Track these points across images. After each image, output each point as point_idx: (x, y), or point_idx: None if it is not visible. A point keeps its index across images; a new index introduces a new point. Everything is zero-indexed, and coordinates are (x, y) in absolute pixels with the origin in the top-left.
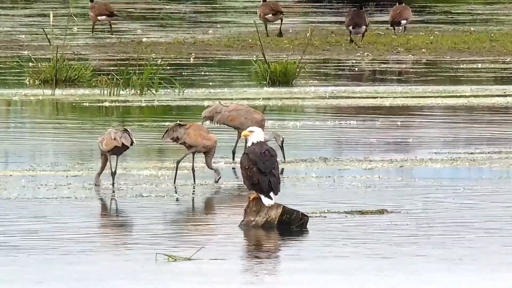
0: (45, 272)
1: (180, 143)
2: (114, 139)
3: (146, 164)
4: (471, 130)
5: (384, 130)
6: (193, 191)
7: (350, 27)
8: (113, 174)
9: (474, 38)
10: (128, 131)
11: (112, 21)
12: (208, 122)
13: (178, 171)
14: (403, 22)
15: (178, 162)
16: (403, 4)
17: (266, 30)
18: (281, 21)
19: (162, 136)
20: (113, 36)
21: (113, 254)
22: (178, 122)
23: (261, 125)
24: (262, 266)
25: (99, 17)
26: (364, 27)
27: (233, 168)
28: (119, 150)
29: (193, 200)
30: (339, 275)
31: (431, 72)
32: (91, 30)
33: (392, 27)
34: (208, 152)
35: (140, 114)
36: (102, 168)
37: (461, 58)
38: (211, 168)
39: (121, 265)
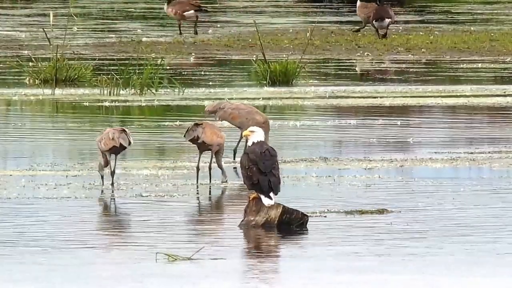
0: (44, 272)
1: (198, 143)
2: (112, 139)
3: (146, 164)
4: (471, 130)
5: (384, 130)
6: (193, 191)
7: (374, 21)
8: (112, 173)
9: (474, 38)
10: (125, 131)
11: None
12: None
13: (178, 171)
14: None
15: (209, 167)
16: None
17: (180, 29)
18: (197, 18)
19: (183, 135)
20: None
21: (113, 254)
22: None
23: (261, 127)
24: (262, 266)
25: None
26: (388, 20)
27: (234, 168)
28: (117, 150)
29: (193, 200)
30: (339, 275)
31: (431, 72)
32: (90, 30)
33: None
34: (219, 151)
35: (140, 114)
36: (105, 162)
37: (461, 58)
38: (221, 168)
39: (121, 265)
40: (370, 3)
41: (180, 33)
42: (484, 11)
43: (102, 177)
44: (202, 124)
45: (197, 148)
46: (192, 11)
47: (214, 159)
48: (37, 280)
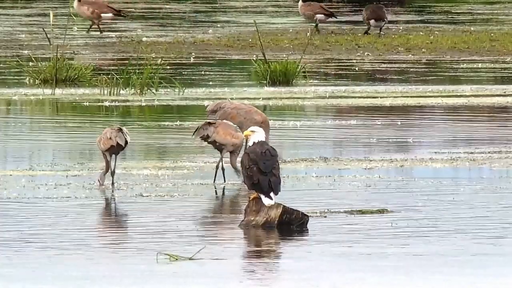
0: (45, 272)
1: (210, 142)
2: (110, 138)
3: (146, 164)
4: (471, 130)
5: (384, 130)
6: (193, 191)
7: (372, 20)
8: (112, 173)
9: (474, 38)
10: (122, 130)
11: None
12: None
13: (178, 171)
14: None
15: (217, 167)
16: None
17: (91, 27)
18: (97, 23)
19: (192, 133)
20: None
21: (114, 254)
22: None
23: (260, 126)
24: (262, 266)
25: None
26: (385, 19)
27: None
28: (116, 150)
29: (193, 200)
30: (339, 275)
31: (431, 72)
32: (92, 30)
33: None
34: (234, 150)
35: (140, 114)
36: (106, 167)
37: (461, 58)
38: (235, 168)
39: (122, 265)
40: (313, 2)
41: (89, 29)
42: (484, 11)
43: (100, 183)
44: (215, 123)
45: (213, 148)
46: (110, 14)
47: (230, 159)
48: (37, 279)
